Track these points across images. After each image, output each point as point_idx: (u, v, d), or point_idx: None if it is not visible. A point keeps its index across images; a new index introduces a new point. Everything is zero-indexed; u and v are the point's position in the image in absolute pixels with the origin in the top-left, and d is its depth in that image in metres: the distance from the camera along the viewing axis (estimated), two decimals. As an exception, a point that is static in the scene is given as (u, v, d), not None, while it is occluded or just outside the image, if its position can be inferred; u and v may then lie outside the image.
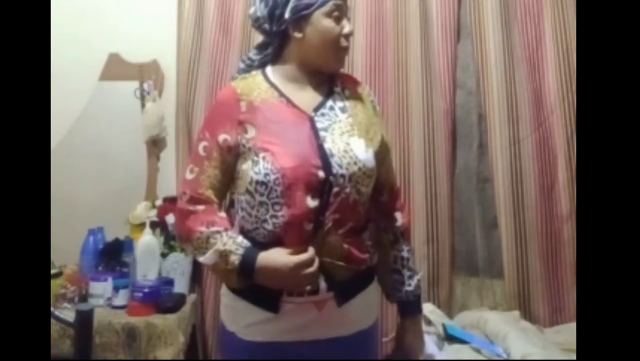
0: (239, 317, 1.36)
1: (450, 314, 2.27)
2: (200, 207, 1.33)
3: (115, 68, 2.54)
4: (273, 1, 1.37)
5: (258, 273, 1.27)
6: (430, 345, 1.82)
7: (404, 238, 1.48)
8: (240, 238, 1.30)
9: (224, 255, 1.28)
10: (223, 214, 1.35)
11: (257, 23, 1.42)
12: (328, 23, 1.35)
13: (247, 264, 1.27)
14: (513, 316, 2.15)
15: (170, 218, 2.31)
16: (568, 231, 2.31)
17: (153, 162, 2.55)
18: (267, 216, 1.30)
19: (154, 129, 2.49)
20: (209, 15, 2.46)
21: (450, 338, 1.90)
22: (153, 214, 2.36)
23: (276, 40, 1.40)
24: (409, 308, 1.46)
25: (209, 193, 1.34)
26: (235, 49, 2.47)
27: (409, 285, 1.44)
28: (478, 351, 1.81)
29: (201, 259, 1.31)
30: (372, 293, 1.44)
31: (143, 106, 2.52)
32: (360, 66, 2.41)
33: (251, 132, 1.33)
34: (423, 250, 2.35)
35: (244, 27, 2.46)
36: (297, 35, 1.37)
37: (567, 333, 2.05)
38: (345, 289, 1.35)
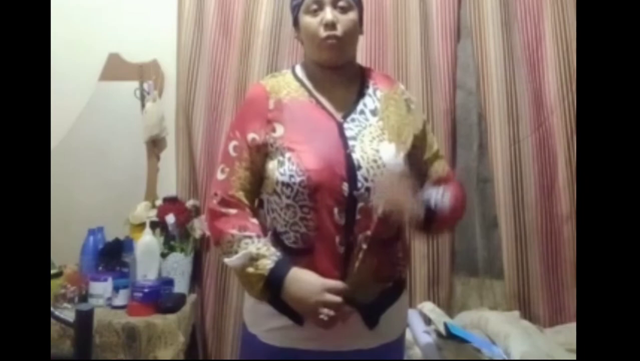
0: (261, 321, 1.35)
1: (450, 314, 2.26)
2: (232, 210, 1.31)
3: (115, 68, 2.54)
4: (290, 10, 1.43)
5: (286, 285, 1.24)
6: (429, 344, 1.82)
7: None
8: (273, 248, 1.28)
9: (255, 259, 1.25)
10: (255, 220, 1.32)
11: None
12: (307, 19, 1.35)
13: (279, 272, 1.24)
14: (513, 316, 2.15)
15: (170, 218, 2.31)
16: (568, 231, 2.31)
17: (153, 162, 2.55)
18: (297, 219, 1.28)
19: (154, 129, 2.49)
20: (209, 15, 2.46)
21: (451, 336, 1.90)
22: (153, 214, 2.36)
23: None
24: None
25: (240, 195, 1.32)
26: (235, 49, 2.47)
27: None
28: (478, 351, 1.81)
29: (229, 261, 1.28)
30: (401, 306, 1.40)
31: (143, 106, 2.52)
32: (360, 66, 2.41)
33: (279, 131, 1.32)
34: (423, 250, 2.35)
35: (244, 27, 2.46)
36: (298, 35, 1.40)
37: (567, 333, 2.05)
38: (374, 310, 1.33)
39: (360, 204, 1.27)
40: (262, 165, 1.33)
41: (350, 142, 1.31)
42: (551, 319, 2.29)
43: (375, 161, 1.29)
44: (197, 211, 2.38)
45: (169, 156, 2.56)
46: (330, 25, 1.32)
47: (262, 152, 1.32)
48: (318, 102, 1.36)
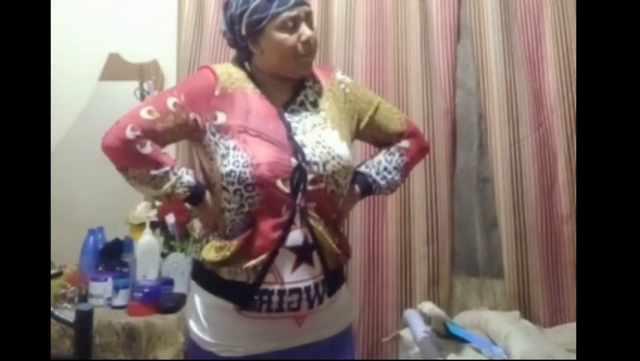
0: (214, 331, 1.34)
1: (450, 314, 2.26)
2: (148, 149, 1.32)
3: (115, 68, 2.54)
4: (230, 17, 1.37)
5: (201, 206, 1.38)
6: (429, 344, 1.82)
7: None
8: (186, 178, 1.34)
9: (170, 195, 1.35)
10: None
11: (225, 37, 1.44)
12: (281, 36, 1.33)
13: (195, 198, 1.36)
14: (513, 316, 2.15)
15: (170, 218, 2.31)
16: (568, 231, 2.31)
17: (153, 162, 2.55)
18: (243, 201, 1.29)
19: (154, 129, 2.49)
20: (209, 15, 2.46)
21: (451, 336, 1.90)
22: (153, 214, 2.35)
23: (244, 54, 1.41)
24: (360, 180, 1.48)
25: (162, 145, 1.35)
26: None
27: (380, 165, 1.49)
28: (478, 351, 1.81)
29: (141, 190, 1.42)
30: (345, 295, 1.46)
31: (143, 106, 2.52)
32: (360, 66, 2.41)
33: (221, 119, 1.32)
34: (423, 250, 2.35)
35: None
36: (256, 50, 1.37)
37: (567, 333, 2.05)
38: (333, 278, 1.37)
39: (310, 176, 1.30)
40: (186, 135, 1.37)
41: (293, 125, 1.35)
42: (551, 319, 2.29)
43: (319, 142, 1.33)
44: (197, 211, 2.38)
45: (169, 156, 2.55)
46: (309, 43, 1.34)
47: (197, 132, 1.34)
48: (262, 93, 1.37)
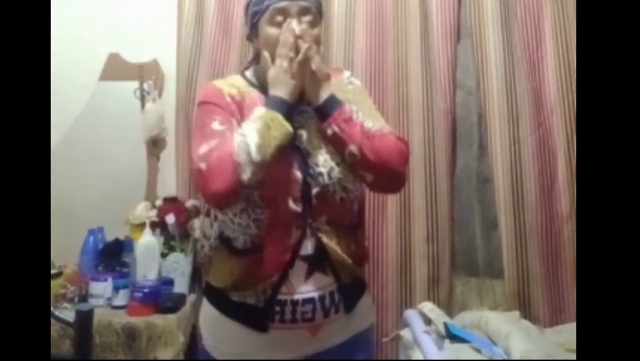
0: (228, 344, 1.33)
1: (450, 314, 2.26)
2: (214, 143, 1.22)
3: (115, 68, 2.54)
4: (244, 11, 1.39)
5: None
6: (429, 344, 1.82)
7: None
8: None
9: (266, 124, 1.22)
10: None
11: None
12: (269, 30, 1.31)
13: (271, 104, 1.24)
14: (513, 316, 2.15)
15: (170, 218, 2.31)
16: (568, 231, 2.31)
17: (153, 163, 2.55)
18: (250, 221, 1.26)
19: (154, 129, 2.49)
20: (209, 15, 2.46)
21: (451, 336, 1.90)
22: (153, 214, 2.35)
23: (255, 51, 1.42)
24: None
25: None
26: (235, 49, 2.47)
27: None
28: (478, 351, 1.81)
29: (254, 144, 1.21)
30: (365, 299, 1.42)
31: (143, 106, 2.52)
32: (360, 66, 2.41)
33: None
34: (423, 250, 2.35)
35: (244, 27, 2.46)
36: (254, 45, 1.37)
37: (567, 333, 2.05)
38: (351, 293, 1.34)
39: (315, 189, 1.26)
40: None
41: (299, 132, 1.31)
42: (551, 319, 2.29)
43: (321, 147, 1.30)
44: (197, 211, 2.38)
45: (169, 156, 2.55)
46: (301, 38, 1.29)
47: None
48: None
